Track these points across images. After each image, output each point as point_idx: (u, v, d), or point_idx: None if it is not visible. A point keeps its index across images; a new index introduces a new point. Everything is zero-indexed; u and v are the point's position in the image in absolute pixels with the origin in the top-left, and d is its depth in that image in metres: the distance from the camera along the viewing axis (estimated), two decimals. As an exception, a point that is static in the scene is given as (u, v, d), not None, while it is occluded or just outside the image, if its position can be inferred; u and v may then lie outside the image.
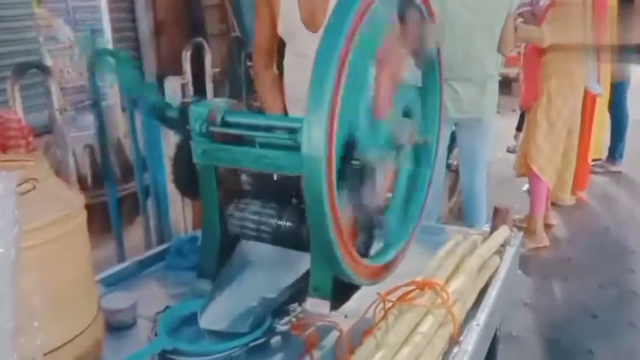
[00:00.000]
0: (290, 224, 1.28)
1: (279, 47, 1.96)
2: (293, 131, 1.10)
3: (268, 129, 1.20)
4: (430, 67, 1.33)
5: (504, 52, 2.80)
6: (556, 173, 3.62)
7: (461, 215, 3.25)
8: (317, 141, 0.93)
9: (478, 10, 2.61)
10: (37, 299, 0.79)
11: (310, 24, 1.87)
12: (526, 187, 4.17)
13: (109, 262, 1.75)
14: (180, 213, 2.82)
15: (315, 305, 1.21)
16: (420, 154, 1.36)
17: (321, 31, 0.97)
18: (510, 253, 1.48)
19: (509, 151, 5.46)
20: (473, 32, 2.62)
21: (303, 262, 1.24)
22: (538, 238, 3.61)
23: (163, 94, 2.23)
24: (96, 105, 2.31)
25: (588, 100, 3.84)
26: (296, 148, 1.01)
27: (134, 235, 2.90)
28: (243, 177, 1.34)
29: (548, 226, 3.83)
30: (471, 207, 2.88)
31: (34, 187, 0.90)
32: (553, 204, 3.93)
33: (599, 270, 3.32)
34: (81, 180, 3.17)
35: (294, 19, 1.56)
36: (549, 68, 3.38)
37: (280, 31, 1.69)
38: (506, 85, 6.91)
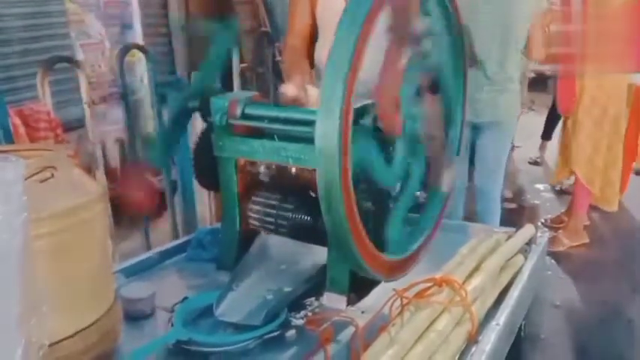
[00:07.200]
0: (308, 218, 1.27)
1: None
2: (312, 124, 1.09)
3: (288, 121, 1.19)
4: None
5: (534, 58, 2.68)
6: (599, 178, 3.40)
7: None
8: (330, 132, 0.91)
9: (497, 9, 2.48)
10: (51, 285, 0.79)
11: None
12: (558, 187, 4.06)
13: (137, 254, 1.77)
14: (207, 206, 2.85)
15: (332, 300, 1.20)
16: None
17: None
18: (536, 252, 1.44)
19: (530, 162, 5.12)
20: (491, 31, 2.50)
21: (322, 256, 1.23)
22: (579, 236, 3.50)
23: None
24: (124, 98, 2.33)
25: (636, 97, 3.58)
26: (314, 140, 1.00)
27: (163, 228, 2.93)
28: (263, 170, 1.34)
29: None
30: (482, 210, 2.76)
31: (52, 176, 0.91)
32: (591, 206, 3.72)
33: (634, 273, 3.21)
34: (111, 173, 3.22)
35: (336, 7, 1.55)
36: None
37: (319, 18, 1.70)
38: (542, 82, 6.72)
